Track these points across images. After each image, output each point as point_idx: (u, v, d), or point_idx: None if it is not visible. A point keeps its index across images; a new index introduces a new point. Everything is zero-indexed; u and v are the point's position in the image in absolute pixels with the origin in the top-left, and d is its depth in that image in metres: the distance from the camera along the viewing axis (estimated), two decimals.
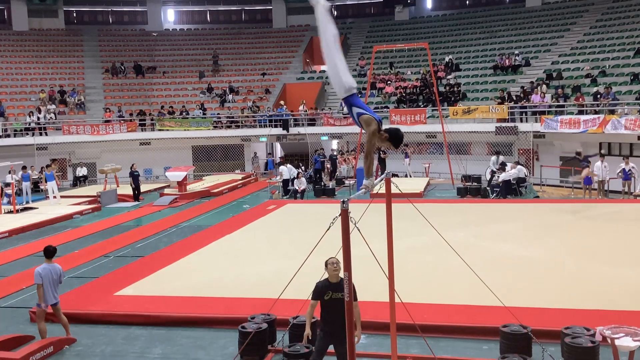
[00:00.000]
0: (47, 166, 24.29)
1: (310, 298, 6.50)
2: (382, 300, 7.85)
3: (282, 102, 31.73)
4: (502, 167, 21.67)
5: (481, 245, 12.93)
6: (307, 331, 6.42)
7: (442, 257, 10.82)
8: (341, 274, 6.28)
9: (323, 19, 6.28)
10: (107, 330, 9.20)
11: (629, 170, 19.26)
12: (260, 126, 30.77)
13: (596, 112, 23.08)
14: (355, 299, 6.32)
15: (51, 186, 22.36)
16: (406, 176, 26.43)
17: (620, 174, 18.93)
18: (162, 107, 32.48)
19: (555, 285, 10.15)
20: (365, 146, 6.12)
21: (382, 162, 25.93)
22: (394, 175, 20.80)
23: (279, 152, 33.66)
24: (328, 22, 6.29)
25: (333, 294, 6.31)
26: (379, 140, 5.97)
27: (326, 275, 6.50)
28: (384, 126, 6.11)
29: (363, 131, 6.11)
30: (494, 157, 22.90)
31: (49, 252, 8.71)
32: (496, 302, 7.92)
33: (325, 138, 30.29)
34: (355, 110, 6.05)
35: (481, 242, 13.34)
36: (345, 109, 23.61)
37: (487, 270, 9.55)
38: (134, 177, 22.82)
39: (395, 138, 6.01)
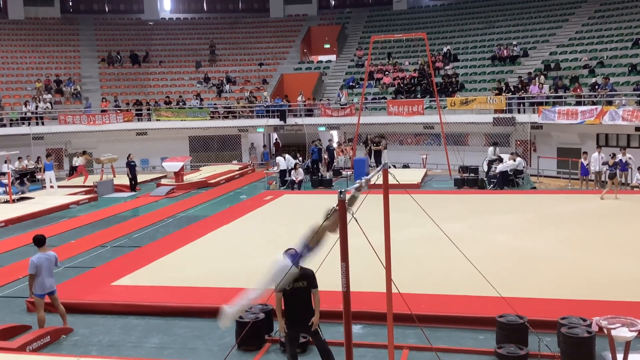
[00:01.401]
0: (47, 156, 24.22)
1: (274, 290, 6.55)
2: (379, 290, 7.86)
3: (286, 95, 31.59)
4: (500, 159, 21.68)
5: (478, 236, 12.94)
6: (282, 324, 6.48)
7: (439, 248, 10.83)
8: (301, 264, 6.38)
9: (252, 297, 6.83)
10: (104, 320, 9.20)
11: (626, 161, 19.27)
12: (258, 116, 30.69)
13: (594, 103, 23.08)
14: (316, 287, 6.49)
15: (49, 176, 22.31)
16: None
17: (605, 165, 18.82)
18: (157, 102, 32.34)
19: (551, 276, 10.17)
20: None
21: (377, 155, 25.91)
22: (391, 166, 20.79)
23: (272, 142, 33.55)
24: (253, 294, 6.79)
25: (294, 284, 6.41)
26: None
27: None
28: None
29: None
30: (491, 148, 22.92)
31: (39, 241, 8.63)
32: (493, 292, 7.93)
33: (322, 129, 30.24)
34: (303, 253, 6.38)
35: (478, 232, 13.35)
36: (343, 100, 23.37)
37: (483, 261, 9.56)
38: (131, 168, 22.77)
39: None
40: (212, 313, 9.16)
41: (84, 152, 26.14)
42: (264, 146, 32.20)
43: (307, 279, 6.47)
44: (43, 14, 39.02)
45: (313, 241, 6.28)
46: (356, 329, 8.21)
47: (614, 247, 11.98)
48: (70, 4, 41.41)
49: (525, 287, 9.49)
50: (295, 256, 6.35)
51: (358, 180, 6.20)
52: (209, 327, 8.79)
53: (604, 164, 19.01)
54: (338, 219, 5.61)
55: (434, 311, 8.62)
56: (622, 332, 6.75)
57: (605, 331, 6.89)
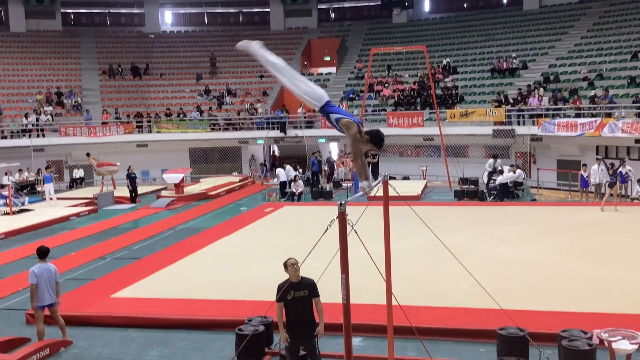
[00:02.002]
0: (46, 168, 24.28)
1: (275, 301, 6.54)
2: (379, 302, 7.85)
3: (284, 105, 31.67)
4: (500, 171, 21.71)
5: (478, 248, 12.92)
6: (284, 334, 6.45)
7: (440, 260, 10.81)
8: (301, 273, 6.39)
9: (268, 59, 6.61)
10: (104, 333, 9.17)
11: (626, 173, 19.29)
12: (258, 128, 30.75)
13: (593, 116, 23.14)
14: (317, 295, 6.48)
15: (48, 188, 22.32)
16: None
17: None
18: (158, 114, 32.45)
19: (552, 288, 10.15)
20: (352, 150, 6.18)
21: (374, 167, 25.90)
22: (391, 177, 20.82)
23: (268, 157, 33.54)
24: (272, 59, 6.59)
25: (295, 293, 6.41)
26: (360, 143, 6.02)
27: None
28: (365, 128, 6.18)
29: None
30: (491, 160, 22.91)
31: (42, 253, 8.66)
32: (493, 304, 7.92)
33: (322, 140, 30.29)
34: (333, 116, 6.19)
35: (478, 244, 13.34)
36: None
37: (484, 273, 9.55)
38: (131, 179, 22.80)
39: (377, 139, 6.06)
40: (212, 325, 9.17)
41: (88, 154, 25.94)
42: (262, 163, 32.22)
43: (308, 288, 6.46)
44: (44, 27, 39.19)
45: (344, 125, 6.09)
46: (356, 341, 8.18)
47: (615, 259, 11.96)
48: (72, 16, 41.60)
49: (525, 299, 9.47)
50: (332, 107, 6.26)
51: (361, 186, 6.18)
52: (209, 339, 8.77)
53: (610, 175, 19.01)
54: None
55: (434, 323, 8.60)
56: (623, 345, 6.73)
57: (606, 344, 6.88)
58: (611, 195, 17.39)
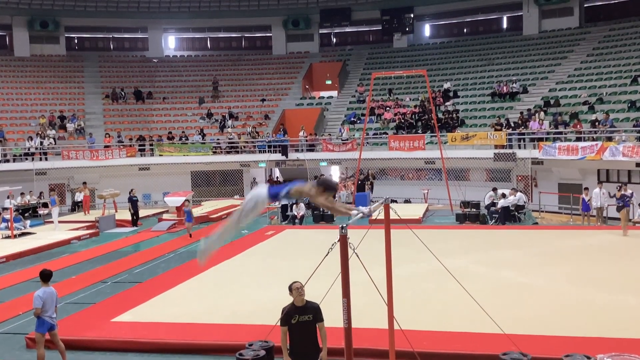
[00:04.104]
0: (51, 191, 24.35)
1: (279, 325, 6.51)
2: (381, 327, 7.81)
3: (282, 124, 31.85)
4: (502, 194, 21.69)
5: (481, 272, 12.88)
6: (288, 359, 6.41)
7: (442, 284, 10.77)
8: (306, 297, 6.36)
9: (224, 236, 6.81)
10: (104, 357, 9.11)
11: (627, 198, 19.25)
12: (260, 152, 30.87)
13: (594, 139, 23.21)
14: (322, 320, 6.43)
15: (55, 212, 22.36)
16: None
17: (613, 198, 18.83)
18: (160, 136, 32.61)
19: (555, 313, 10.09)
20: (323, 206, 6.57)
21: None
22: (392, 201, 20.79)
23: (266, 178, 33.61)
24: (235, 217, 6.78)
25: (300, 317, 6.38)
26: (319, 196, 6.25)
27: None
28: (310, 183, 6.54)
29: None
30: (491, 192, 22.56)
31: (45, 276, 8.66)
32: (496, 329, 7.87)
33: (324, 164, 30.37)
34: (283, 192, 6.36)
35: (481, 268, 13.29)
36: (344, 135, 23.62)
37: (486, 297, 9.50)
38: (133, 203, 22.81)
39: (328, 186, 6.35)
40: (212, 350, 9.11)
41: (84, 184, 26.23)
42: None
43: (312, 312, 6.42)
44: (48, 51, 39.57)
45: (295, 192, 6.31)
46: None
47: (618, 283, 11.90)
48: (76, 41, 42.01)
49: (528, 324, 9.40)
50: (275, 188, 6.40)
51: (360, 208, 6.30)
52: None
53: (612, 196, 19.00)
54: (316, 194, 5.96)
55: (437, 348, 8.53)
56: None
57: None
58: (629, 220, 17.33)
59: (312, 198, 6.29)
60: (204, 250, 6.84)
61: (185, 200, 20.47)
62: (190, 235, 19.34)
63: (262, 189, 6.46)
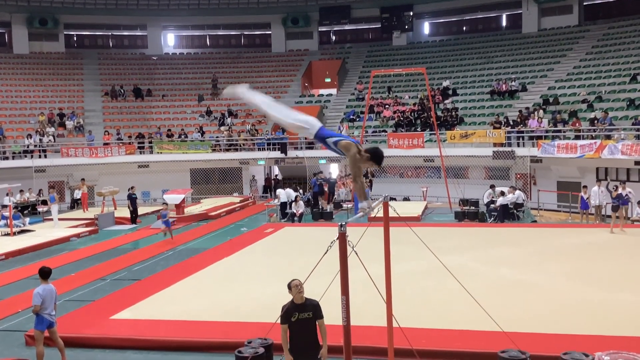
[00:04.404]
0: (51, 188, 24.33)
1: (280, 323, 6.52)
2: (380, 324, 7.83)
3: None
4: (501, 192, 21.72)
5: (479, 270, 12.90)
6: (289, 357, 6.42)
7: (440, 282, 10.79)
8: (307, 294, 6.36)
9: (255, 99, 6.64)
10: (103, 355, 9.12)
11: (626, 195, 19.27)
12: (259, 149, 30.87)
13: (593, 138, 23.23)
14: (321, 317, 6.45)
15: (55, 209, 22.35)
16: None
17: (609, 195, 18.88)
18: (159, 128, 32.59)
19: (553, 311, 10.11)
20: (352, 171, 6.21)
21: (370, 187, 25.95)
22: (391, 199, 20.82)
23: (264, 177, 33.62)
24: (259, 97, 6.65)
25: (299, 315, 6.39)
26: (361, 162, 6.04)
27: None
28: (363, 146, 6.23)
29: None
30: (489, 191, 22.61)
31: (45, 273, 8.68)
32: (494, 327, 7.89)
33: (323, 162, 30.38)
34: (331, 140, 6.19)
35: (479, 266, 13.31)
36: (344, 133, 23.57)
37: (485, 295, 9.52)
38: (132, 200, 22.81)
39: (376, 156, 6.07)
40: (211, 347, 9.12)
41: (83, 180, 26.24)
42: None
43: (312, 309, 6.43)
44: (48, 49, 39.54)
45: (343, 146, 6.08)
46: None
47: (616, 281, 11.92)
48: (75, 39, 41.97)
49: (527, 322, 9.42)
50: (328, 131, 6.29)
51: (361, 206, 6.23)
52: None
53: (608, 190, 19.02)
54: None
55: (435, 346, 8.54)
56: None
57: None
58: (617, 217, 17.40)
59: (352, 159, 5.97)
60: (233, 88, 6.73)
61: (164, 203, 19.68)
62: (172, 237, 18.62)
63: (318, 123, 6.27)
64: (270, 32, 42.55)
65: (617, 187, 18.27)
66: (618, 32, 32.83)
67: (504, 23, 39.98)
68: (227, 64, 40.73)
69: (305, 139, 30.77)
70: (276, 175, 33.81)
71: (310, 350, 6.43)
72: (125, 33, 42.85)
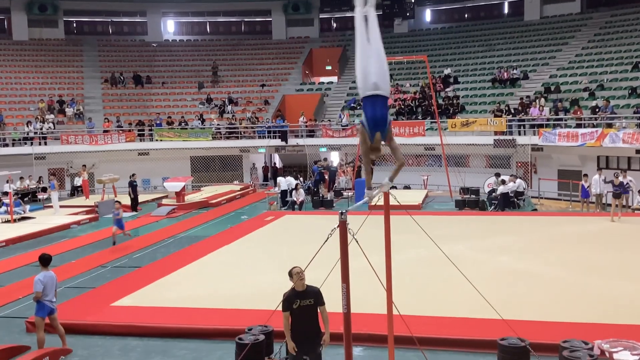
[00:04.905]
0: (52, 175, 24.31)
1: (281, 310, 6.53)
2: (380, 312, 7.84)
3: (279, 110, 31.73)
4: (502, 181, 21.70)
5: (479, 258, 12.91)
6: (291, 344, 6.43)
7: (440, 269, 10.80)
8: (307, 282, 6.36)
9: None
10: (104, 341, 9.15)
11: (627, 183, 19.27)
12: (259, 137, 30.82)
13: (594, 126, 23.16)
14: (323, 304, 6.49)
15: (54, 196, 22.34)
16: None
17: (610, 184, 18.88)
18: (159, 115, 32.52)
19: (553, 299, 10.13)
20: (378, 150, 6.29)
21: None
22: (392, 187, 20.80)
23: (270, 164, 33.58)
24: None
25: (301, 302, 6.41)
26: (369, 151, 6.05)
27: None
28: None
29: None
30: (494, 178, 22.63)
31: (45, 260, 8.70)
32: (494, 314, 7.90)
33: (324, 149, 30.33)
34: (388, 119, 6.24)
35: (479, 254, 13.32)
36: (344, 121, 23.43)
37: (485, 283, 9.54)
38: (133, 187, 22.80)
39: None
40: (211, 334, 9.15)
41: (84, 166, 26.21)
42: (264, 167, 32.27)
43: (313, 296, 6.46)
44: (47, 35, 39.34)
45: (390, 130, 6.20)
46: (357, 351, 8.16)
47: (616, 270, 11.94)
48: (75, 25, 41.77)
49: (526, 310, 9.45)
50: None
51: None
52: (209, 348, 8.75)
53: (607, 182, 19.02)
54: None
55: (435, 333, 8.57)
56: (624, 356, 6.71)
57: (607, 355, 6.86)
58: (616, 205, 17.41)
59: (359, 146, 6.14)
60: None
61: (116, 201, 16.31)
62: (114, 243, 16.05)
63: (369, 90, 6.21)
64: (270, 19, 42.32)
65: (618, 175, 18.26)
66: (620, 20, 32.65)
67: (505, 10, 39.79)
68: (227, 51, 40.55)
69: (307, 126, 30.74)
70: (275, 164, 33.79)
71: (312, 337, 6.46)
72: (125, 20, 42.63)
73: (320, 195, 24.58)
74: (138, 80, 36.11)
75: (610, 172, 20.70)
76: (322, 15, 42.47)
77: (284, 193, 23.19)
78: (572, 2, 35.77)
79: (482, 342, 8.30)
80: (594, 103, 25.07)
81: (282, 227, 18.42)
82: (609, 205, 19.79)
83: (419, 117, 29.69)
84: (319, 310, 6.51)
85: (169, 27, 43.42)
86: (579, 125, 23.92)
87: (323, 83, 37.92)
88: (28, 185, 26.54)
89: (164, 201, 24.37)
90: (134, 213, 22.54)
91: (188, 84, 36.75)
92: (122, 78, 36.06)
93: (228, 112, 33.38)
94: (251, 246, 15.58)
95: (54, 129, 30.28)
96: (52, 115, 31.36)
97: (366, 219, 7.22)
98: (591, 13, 34.92)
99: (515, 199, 21.17)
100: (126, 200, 23.36)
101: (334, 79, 37.97)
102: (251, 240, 16.47)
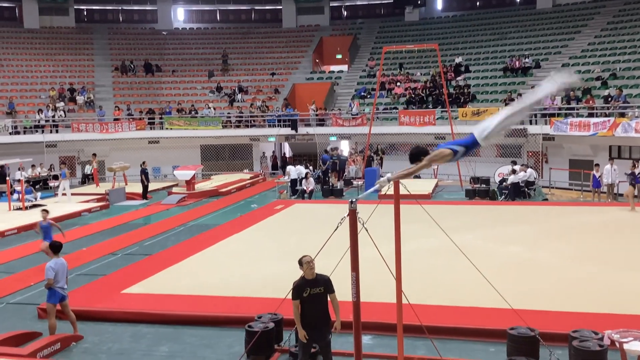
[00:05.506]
0: (63, 163, 24.43)
1: (291, 299, 6.56)
2: (389, 301, 7.85)
3: (286, 99, 31.69)
4: (513, 170, 21.60)
5: (489, 248, 12.88)
6: (302, 332, 6.47)
7: (450, 259, 10.79)
8: (317, 270, 6.42)
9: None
10: (114, 328, 9.23)
11: (639, 173, 19.12)
12: (269, 126, 30.82)
13: (606, 115, 22.96)
14: (333, 292, 6.55)
15: (64, 184, 22.47)
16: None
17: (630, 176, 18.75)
18: (169, 103, 32.55)
19: (563, 289, 10.09)
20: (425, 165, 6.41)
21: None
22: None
23: (279, 154, 33.58)
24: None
25: (311, 290, 6.45)
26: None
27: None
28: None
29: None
30: (509, 167, 22.50)
31: (56, 248, 8.77)
32: (504, 304, 7.89)
33: (334, 138, 30.30)
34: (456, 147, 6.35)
35: (489, 244, 13.29)
36: (354, 110, 23.32)
37: (495, 273, 9.50)
38: (146, 175, 22.90)
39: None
40: (221, 322, 9.20)
41: (94, 155, 26.35)
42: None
43: (323, 284, 6.50)
44: (58, 23, 39.46)
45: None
46: (366, 339, 8.18)
47: (627, 260, 11.86)
48: (85, 13, 41.88)
49: (536, 300, 9.42)
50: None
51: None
52: (219, 335, 8.80)
53: (629, 174, 18.84)
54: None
55: (444, 322, 8.58)
56: (635, 346, 6.68)
57: (618, 345, 6.84)
58: (635, 196, 17.26)
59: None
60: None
61: (43, 210, 12.93)
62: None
63: (477, 135, 6.19)
64: (281, 7, 42.16)
65: (635, 164, 18.13)
66: (634, 8, 32.21)
67: None
68: (237, 40, 40.49)
69: (317, 115, 30.68)
70: (284, 153, 33.79)
71: (322, 325, 6.51)
72: (135, 7, 42.65)
73: (330, 184, 24.58)
74: (148, 69, 36.16)
75: (622, 162, 20.57)
76: (332, 4, 42.27)
77: (293, 182, 23.21)
78: None
79: (491, 331, 8.30)
80: (606, 92, 24.83)
81: (291, 216, 18.45)
82: (621, 195, 19.68)
83: (430, 106, 29.55)
84: (329, 298, 6.53)
85: (179, 15, 43.40)
86: (591, 115, 23.72)
87: (333, 72, 37.80)
88: (39, 173, 26.71)
89: (174, 189, 24.47)
90: (145, 201, 22.64)
91: (198, 72, 36.76)
92: (132, 66, 36.12)
93: (238, 101, 33.36)
94: (261, 235, 15.61)
95: (65, 117, 30.42)
96: (62, 104, 31.48)
97: (376, 208, 7.21)
98: (605, 1, 34.47)
99: (526, 189, 21.06)
100: (136, 188, 23.50)
101: (345, 67, 37.84)
102: (261, 228, 16.50)
